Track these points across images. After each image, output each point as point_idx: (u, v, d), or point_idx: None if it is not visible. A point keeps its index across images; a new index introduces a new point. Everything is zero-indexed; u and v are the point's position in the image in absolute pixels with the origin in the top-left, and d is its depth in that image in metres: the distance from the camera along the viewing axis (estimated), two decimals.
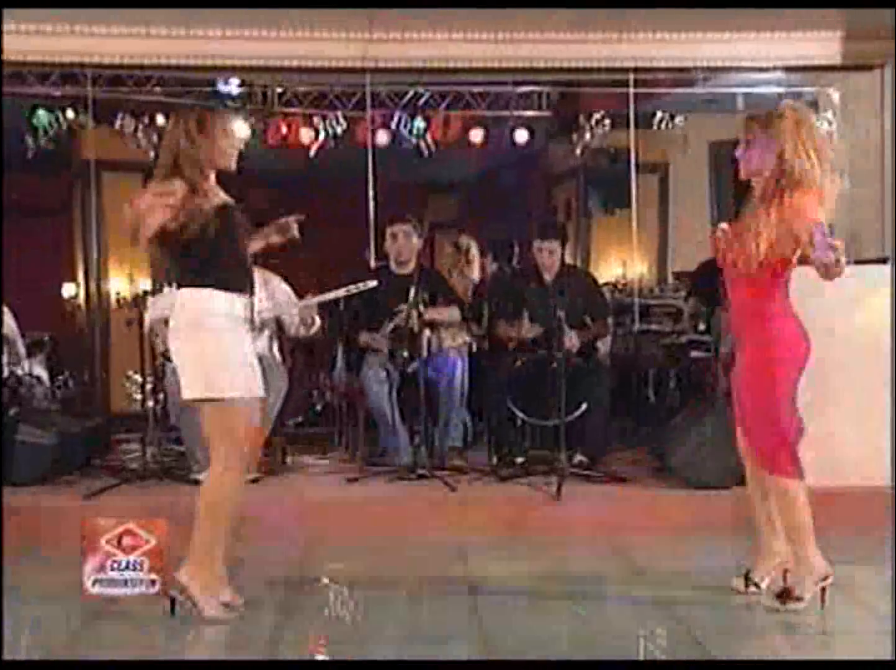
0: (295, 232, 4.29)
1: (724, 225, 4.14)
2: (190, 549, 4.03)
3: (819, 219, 3.80)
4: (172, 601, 4.02)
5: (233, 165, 4.13)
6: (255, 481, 5.43)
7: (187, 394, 4.08)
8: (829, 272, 3.65)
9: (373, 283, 5.55)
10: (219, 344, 3.99)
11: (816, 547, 4.07)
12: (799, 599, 4.04)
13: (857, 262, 6.68)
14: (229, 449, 4.01)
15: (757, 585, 4.21)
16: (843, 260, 3.62)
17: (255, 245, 4.32)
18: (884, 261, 6.56)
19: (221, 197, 4.09)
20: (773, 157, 3.98)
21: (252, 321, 4.15)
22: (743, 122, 4.16)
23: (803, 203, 3.90)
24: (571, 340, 6.40)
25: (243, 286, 4.10)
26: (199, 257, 4.01)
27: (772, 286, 4.01)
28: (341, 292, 5.53)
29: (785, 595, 4.06)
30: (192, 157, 4.00)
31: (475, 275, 8.27)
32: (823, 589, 4.06)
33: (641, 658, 3.67)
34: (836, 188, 4.01)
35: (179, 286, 4.08)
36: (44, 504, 5.65)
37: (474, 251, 8.31)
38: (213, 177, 4.11)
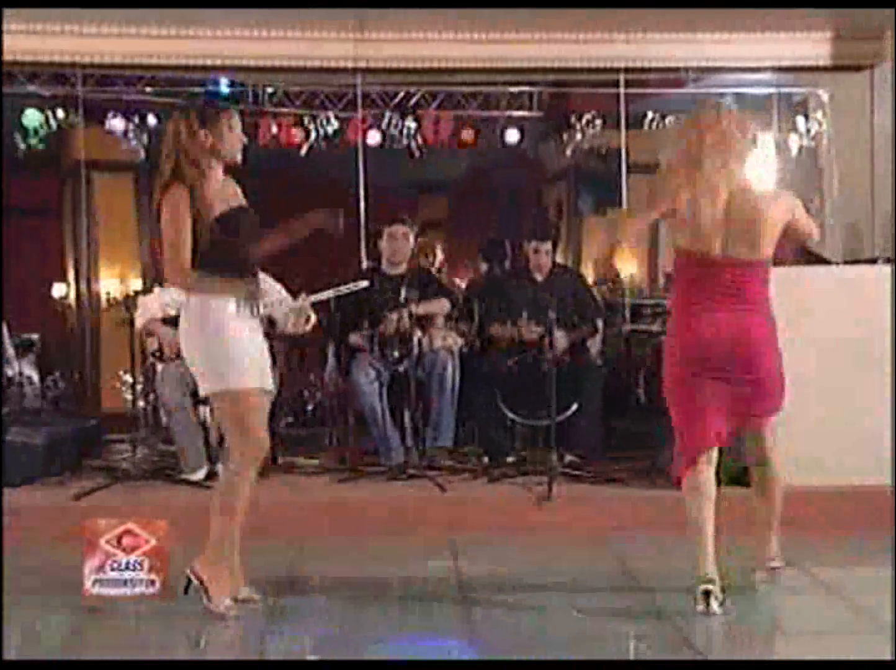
0: (333, 223, 4.24)
1: None
2: (207, 545, 4.03)
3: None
4: (188, 581, 4.00)
5: (239, 157, 4.14)
6: None
7: (204, 389, 4.11)
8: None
9: (364, 284, 5.55)
10: (228, 339, 4.00)
11: (705, 552, 3.98)
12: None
13: (847, 262, 6.74)
14: (245, 443, 4.02)
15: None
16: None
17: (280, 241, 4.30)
18: (874, 261, 6.58)
19: (231, 198, 4.09)
20: (681, 154, 4.06)
21: (259, 318, 4.16)
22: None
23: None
24: (561, 340, 6.41)
25: (250, 291, 4.11)
26: (206, 264, 4.02)
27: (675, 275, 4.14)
28: (331, 292, 5.54)
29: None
30: (196, 151, 4.00)
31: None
32: (706, 593, 3.92)
33: (632, 658, 3.68)
34: (721, 183, 3.99)
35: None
36: (34, 504, 5.64)
37: (441, 258, 8.33)
38: (220, 171, 4.11)
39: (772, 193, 4.32)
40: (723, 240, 3.97)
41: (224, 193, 4.09)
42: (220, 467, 5.40)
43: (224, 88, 8.81)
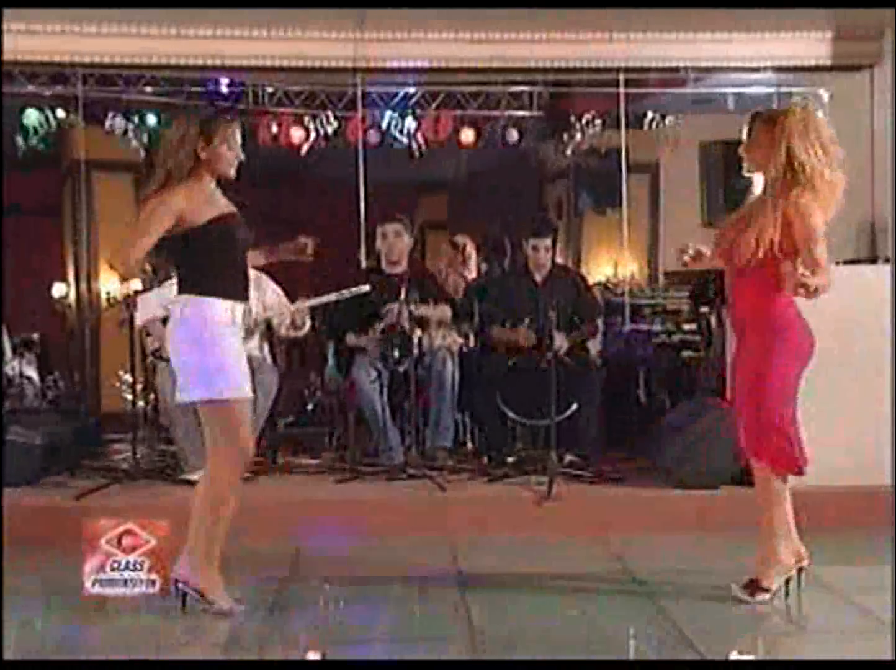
0: (310, 251, 4.35)
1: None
2: (190, 545, 4.03)
3: (815, 229, 3.91)
4: (184, 596, 4.02)
5: (233, 173, 4.14)
6: (245, 480, 5.42)
7: (185, 397, 4.07)
8: (807, 293, 3.80)
9: (365, 288, 5.54)
10: (219, 349, 4.00)
11: (787, 542, 4.11)
12: (766, 590, 4.09)
13: (847, 262, 6.74)
14: (229, 447, 4.02)
15: (767, 591, 4.13)
16: (822, 283, 3.80)
17: (261, 259, 4.39)
18: (874, 261, 6.59)
19: (222, 206, 4.11)
20: (780, 155, 4.00)
21: (248, 327, 4.16)
22: (748, 118, 4.18)
23: (806, 204, 3.95)
24: (561, 341, 6.41)
25: (241, 294, 4.13)
26: (199, 266, 4.04)
27: (778, 280, 4.03)
28: (333, 296, 5.53)
29: (752, 586, 4.11)
30: (193, 163, 4.02)
31: (472, 273, 8.25)
32: (788, 581, 4.13)
33: (632, 658, 3.68)
34: (841, 186, 4.04)
35: (180, 292, 4.10)
36: (34, 504, 5.64)
37: (470, 249, 8.29)
38: (213, 182, 4.12)
39: None
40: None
41: (213, 201, 4.10)
42: None
43: (224, 88, 8.80)
